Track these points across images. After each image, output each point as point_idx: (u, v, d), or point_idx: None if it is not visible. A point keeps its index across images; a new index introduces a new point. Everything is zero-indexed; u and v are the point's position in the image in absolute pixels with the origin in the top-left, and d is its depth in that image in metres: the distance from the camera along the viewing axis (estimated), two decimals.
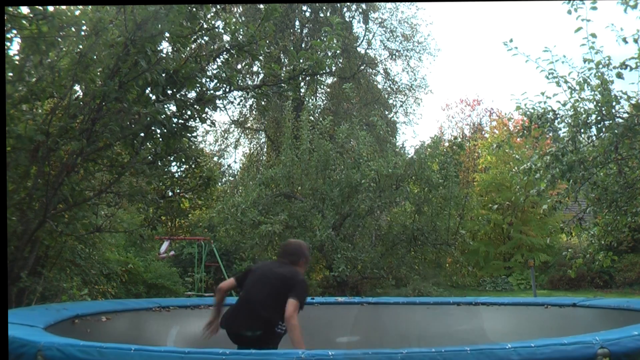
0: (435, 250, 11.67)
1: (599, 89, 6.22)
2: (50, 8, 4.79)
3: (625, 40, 6.14)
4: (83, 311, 4.55)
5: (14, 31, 4.87)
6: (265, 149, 22.70)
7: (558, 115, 6.60)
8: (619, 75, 6.24)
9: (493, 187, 17.14)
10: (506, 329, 4.81)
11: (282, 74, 6.49)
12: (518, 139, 14.28)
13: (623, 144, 6.19)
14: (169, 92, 5.59)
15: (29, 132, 4.93)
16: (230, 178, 22.19)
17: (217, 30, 5.90)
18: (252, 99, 18.61)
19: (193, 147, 6.48)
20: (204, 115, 5.79)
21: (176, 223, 15.20)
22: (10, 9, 4.67)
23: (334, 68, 20.12)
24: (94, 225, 5.97)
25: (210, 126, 6.49)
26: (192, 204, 7.51)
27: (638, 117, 6.01)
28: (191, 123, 5.82)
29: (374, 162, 11.09)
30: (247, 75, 19.56)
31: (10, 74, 4.98)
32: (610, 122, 6.10)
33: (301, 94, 14.92)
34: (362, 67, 22.41)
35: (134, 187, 6.05)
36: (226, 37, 5.94)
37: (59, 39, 5.01)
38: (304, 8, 21.30)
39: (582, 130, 6.43)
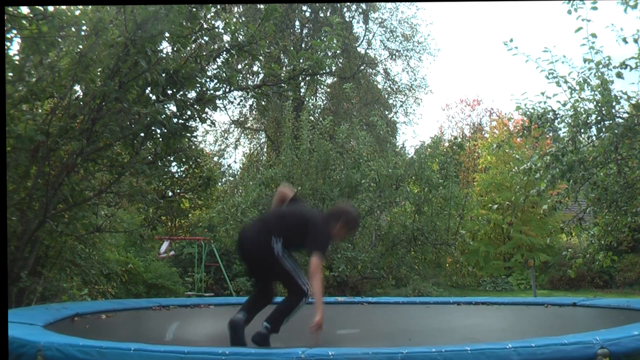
0: (435, 250, 11.67)
1: (599, 89, 6.22)
2: (50, 8, 4.79)
3: (625, 40, 6.14)
4: (83, 310, 4.55)
5: (14, 31, 4.87)
6: (265, 149, 22.70)
7: (558, 115, 6.60)
8: (619, 75, 6.24)
9: (493, 187, 17.14)
10: (506, 329, 4.80)
11: (282, 74, 6.49)
12: (518, 139, 14.29)
13: (623, 144, 6.19)
14: (169, 92, 5.58)
15: (29, 132, 4.93)
16: (230, 178, 22.20)
17: (217, 30, 5.90)
18: (252, 99, 18.60)
19: (193, 147, 6.48)
20: (204, 115, 5.79)
21: (176, 223, 15.19)
22: (10, 9, 4.66)
23: (334, 68, 20.12)
24: (94, 225, 5.97)
25: (210, 126, 6.50)
26: (192, 204, 7.50)
27: (638, 117, 6.01)
28: (191, 123, 5.82)
29: (374, 162, 11.10)
30: (247, 75, 19.59)
31: (10, 74, 4.98)
32: (610, 122, 6.10)
33: (301, 94, 14.92)
34: (362, 67, 22.42)
35: (134, 187, 6.05)
36: (226, 37, 5.94)
37: (59, 39, 5.01)
38: (304, 8, 21.31)
39: (582, 130, 6.43)
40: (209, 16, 5.79)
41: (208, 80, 5.83)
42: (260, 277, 4.07)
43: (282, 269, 3.80)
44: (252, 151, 23.23)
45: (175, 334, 4.67)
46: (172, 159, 6.19)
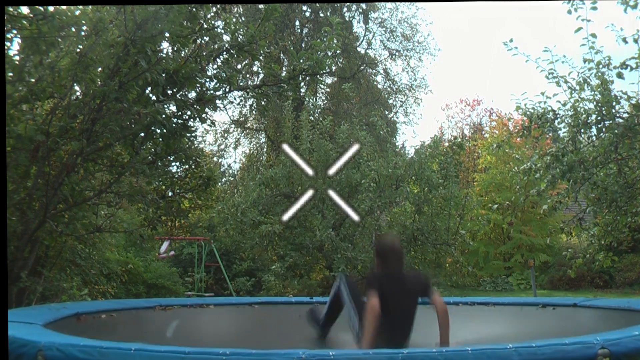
0: (435, 250, 11.65)
1: (599, 89, 6.22)
2: (51, 8, 4.79)
3: (625, 40, 6.14)
4: (83, 310, 4.55)
5: (14, 31, 4.87)
6: (265, 149, 22.69)
7: (558, 115, 6.60)
8: (619, 75, 6.24)
9: (493, 187, 17.13)
10: (506, 329, 4.80)
11: (282, 74, 6.48)
12: (518, 139, 14.32)
13: (623, 144, 6.19)
14: (169, 92, 5.58)
15: (29, 132, 4.93)
16: (230, 178, 22.19)
17: (217, 30, 5.90)
18: (252, 99, 18.63)
19: (193, 147, 6.48)
20: (204, 115, 5.79)
21: (176, 223, 15.18)
22: (10, 9, 4.66)
23: (334, 68, 20.12)
24: (94, 225, 5.97)
25: (210, 126, 6.50)
26: (192, 204, 7.51)
27: (638, 117, 6.01)
28: (191, 123, 5.82)
29: (374, 162, 11.09)
30: (247, 75, 19.58)
31: (10, 74, 4.98)
32: (610, 122, 6.10)
33: (301, 94, 14.91)
34: (362, 67, 22.40)
35: (134, 187, 6.05)
36: (226, 37, 5.94)
37: (59, 39, 5.01)
38: (304, 8, 21.30)
39: (582, 130, 6.43)
40: (209, 16, 5.79)
41: (208, 80, 5.83)
42: None
43: None
44: (252, 151, 23.21)
45: (176, 333, 4.67)
46: (172, 159, 6.19)
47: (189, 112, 5.68)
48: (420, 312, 3.90)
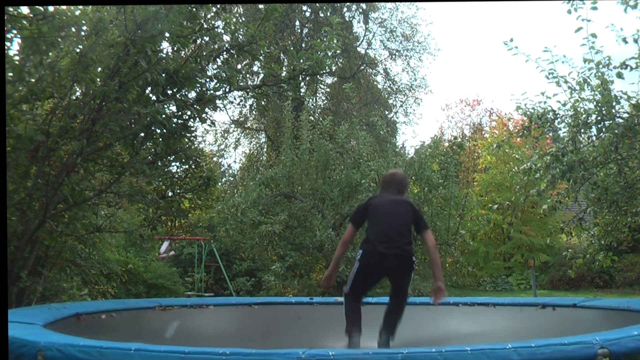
0: None
1: (599, 89, 6.22)
2: (51, 8, 4.79)
3: (625, 40, 6.14)
4: (83, 310, 4.55)
5: (14, 31, 4.87)
6: (265, 149, 22.68)
7: (558, 115, 6.60)
8: (619, 75, 6.24)
9: (493, 187, 17.13)
10: (506, 329, 4.80)
11: (282, 74, 6.49)
12: (518, 139, 14.32)
13: (623, 144, 6.19)
14: (169, 92, 5.59)
15: (29, 132, 4.93)
16: (230, 178, 22.19)
17: (217, 30, 5.90)
18: (252, 99, 18.61)
19: (193, 147, 6.48)
20: (204, 115, 5.79)
21: (176, 223, 15.19)
22: (10, 9, 4.67)
23: (334, 68, 20.12)
24: (94, 225, 5.97)
25: (210, 126, 6.50)
26: (192, 204, 7.51)
27: (638, 117, 6.01)
28: (191, 123, 5.82)
29: (374, 162, 11.09)
30: (247, 75, 19.57)
31: (10, 74, 4.98)
32: (610, 122, 6.10)
33: (301, 94, 14.90)
34: (362, 67, 22.40)
35: (134, 187, 6.05)
36: (226, 37, 5.94)
37: (59, 39, 5.01)
38: (304, 8, 21.29)
39: (582, 130, 6.43)
40: (209, 16, 5.79)
41: (208, 80, 5.83)
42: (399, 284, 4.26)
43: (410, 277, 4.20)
44: (252, 151, 23.21)
45: (176, 333, 4.67)
46: (172, 159, 6.19)
47: (189, 112, 5.68)
48: (421, 311, 3.91)
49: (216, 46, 5.90)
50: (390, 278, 4.17)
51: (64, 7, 4.96)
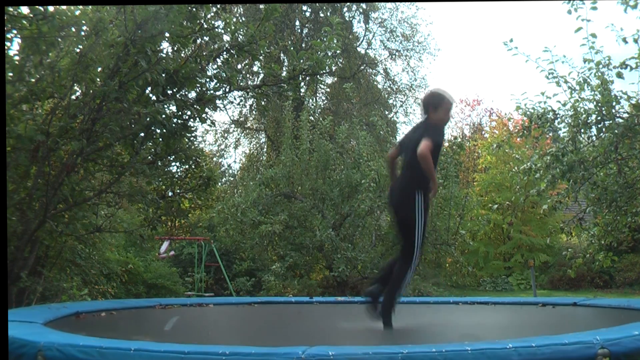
0: (435, 250, 11.65)
1: (599, 89, 6.23)
2: (51, 8, 4.79)
3: (625, 40, 6.14)
4: (83, 310, 4.56)
5: (14, 31, 4.87)
6: (265, 149, 22.69)
7: (558, 115, 6.60)
8: (619, 75, 6.24)
9: (493, 187, 17.13)
10: (506, 329, 4.80)
11: (282, 74, 6.49)
12: (518, 139, 14.32)
13: (623, 144, 6.19)
14: (169, 92, 5.58)
15: (29, 132, 4.93)
16: (230, 178, 22.19)
17: (217, 30, 5.89)
18: (252, 99, 18.63)
19: (193, 147, 6.48)
20: (204, 115, 5.79)
21: (176, 223, 15.19)
22: (10, 9, 4.66)
23: (334, 68, 20.11)
24: (94, 225, 5.97)
25: (210, 126, 6.50)
26: (192, 204, 7.50)
27: (638, 117, 6.01)
28: (191, 123, 5.82)
29: (374, 162, 11.09)
30: (247, 75, 19.57)
31: (10, 74, 4.98)
32: (610, 122, 6.10)
33: (301, 94, 14.90)
34: (362, 67, 22.40)
35: (134, 187, 6.05)
36: (226, 37, 5.94)
37: (59, 39, 5.01)
38: (304, 8, 21.29)
39: (582, 130, 6.44)
40: (209, 16, 5.79)
41: (208, 80, 5.83)
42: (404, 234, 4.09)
43: (414, 226, 3.94)
44: (252, 151, 23.21)
45: (175, 333, 4.67)
46: (172, 159, 6.19)
47: (189, 112, 5.68)
48: (419, 311, 3.90)
49: (216, 46, 5.89)
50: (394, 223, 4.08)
51: (64, 7, 4.96)
